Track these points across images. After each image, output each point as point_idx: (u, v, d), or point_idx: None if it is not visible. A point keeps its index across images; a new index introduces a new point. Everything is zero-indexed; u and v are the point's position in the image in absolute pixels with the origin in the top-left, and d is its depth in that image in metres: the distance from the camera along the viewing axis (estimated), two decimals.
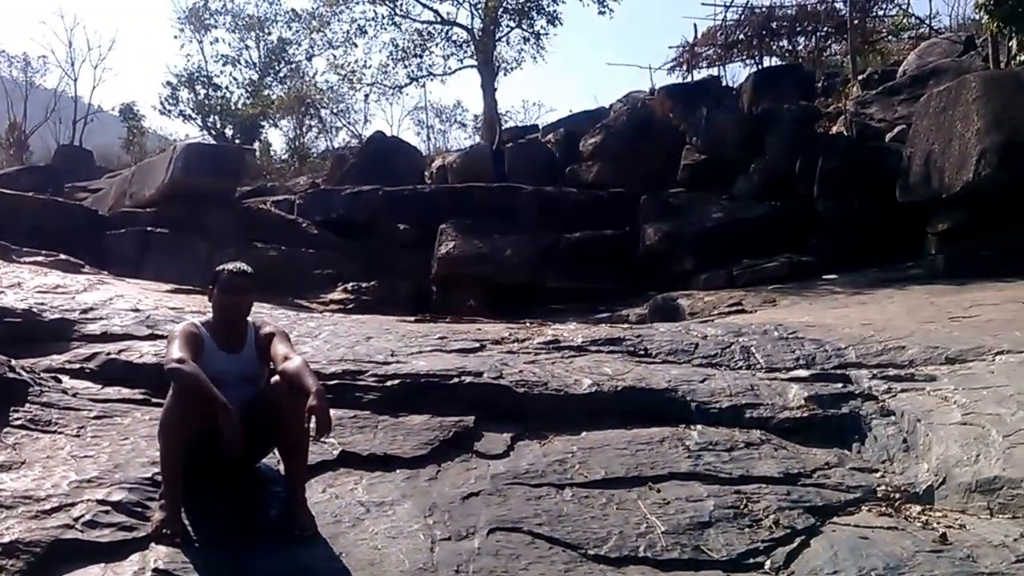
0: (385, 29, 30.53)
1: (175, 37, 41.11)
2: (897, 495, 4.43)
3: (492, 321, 8.19)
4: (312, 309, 11.97)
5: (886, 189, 13.17)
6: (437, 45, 30.17)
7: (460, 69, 30.36)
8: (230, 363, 3.95)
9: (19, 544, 3.30)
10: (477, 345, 6.23)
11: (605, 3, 28.28)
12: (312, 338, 6.21)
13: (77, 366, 5.29)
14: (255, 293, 4.17)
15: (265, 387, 3.93)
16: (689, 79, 25.42)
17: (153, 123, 39.77)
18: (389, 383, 5.18)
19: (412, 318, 8.19)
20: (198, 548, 3.46)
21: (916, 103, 13.91)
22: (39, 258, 9.96)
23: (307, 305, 13.12)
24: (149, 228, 16.14)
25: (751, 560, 3.72)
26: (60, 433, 4.32)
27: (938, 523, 4.04)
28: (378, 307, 12.49)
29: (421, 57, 30.35)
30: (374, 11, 29.94)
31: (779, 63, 24.42)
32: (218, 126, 35.01)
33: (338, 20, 30.88)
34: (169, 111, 35.94)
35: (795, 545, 3.82)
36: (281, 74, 36.52)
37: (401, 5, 29.66)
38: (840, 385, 5.60)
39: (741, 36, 25.55)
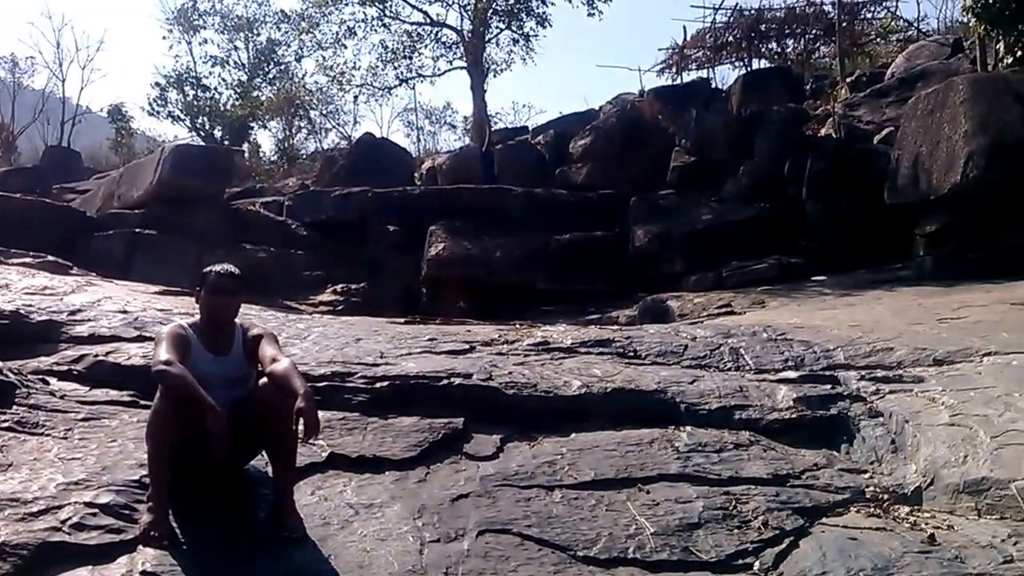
0: (374, 30, 30.63)
1: (163, 38, 41.34)
2: (885, 496, 4.44)
3: (482, 323, 8.19)
4: (301, 311, 11.95)
5: (874, 191, 13.23)
6: (426, 47, 30.20)
7: (450, 71, 30.39)
8: (217, 365, 3.93)
9: (6, 547, 3.28)
10: (466, 347, 6.22)
11: (594, 5, 28.39)
12: (301, 340, 6.19)
13: (65, 368, 5.26)
14: (242, 295, 4.16)
15: (253, 389, 3.92)
16: (678, 81, 25.45)
17: (141, 124, 39.74)
18: (378, 385, 5.16)
19: (402, 320, 8.17)
20: (186, 550, 3.44)
21: (904, 105, 13.99)
22: (27, 259, 9.90)
23: (296, 307, 13.10)
24: (137, 229, 16.10)
25: (740, 561, 3.72)
26: (47, 435, 4.30)
27: (926, 524, 4.05)
28: (367, 309, 12.47)
29: (410, 59, 30.38)
30: (363, 13, 29.98)
31: (768, 65, 24.45)
32: (207, 127, 34.97)
33: (327, 21, 30.94)
34: (157, 112, 35.92)
35: (784, 546, 3.83)
36: (270, 75, 36.53)
37: (390, 7, 29.68)
38: (828, 386, 5.61)
39: (730, 38, 25.58)
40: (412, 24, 29.97)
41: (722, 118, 18.63)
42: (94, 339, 5.80)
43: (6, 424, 4.29)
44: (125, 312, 6.54)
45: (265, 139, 37.59)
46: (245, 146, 32.61)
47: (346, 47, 31.47)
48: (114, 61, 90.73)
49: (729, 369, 6.05)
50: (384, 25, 30.07)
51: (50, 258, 10.40)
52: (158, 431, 3.58)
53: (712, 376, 5.79)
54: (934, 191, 11.88)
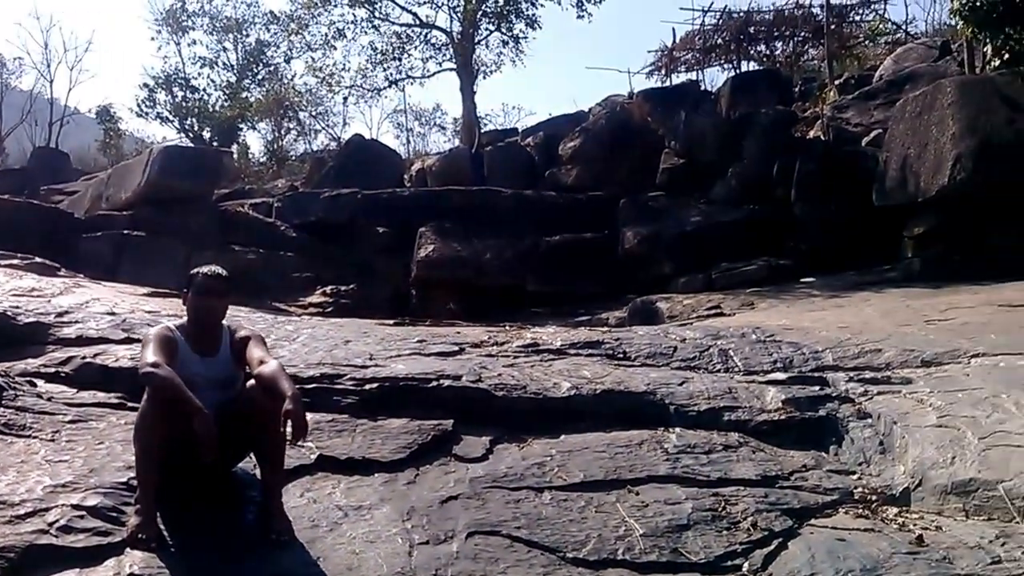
0: (364, 32, 30.54)
1: (152, 39, 41.10)
2: (874, 497, 4.45)
3: (471, 324, 8.18)
4: (290, 312, 11.94)
5: (862, 193, 13.29)
6: (416, 48, 30.18)
7: (439, 72, 30.36)
8: (205, 367, 3.92)
9: None
10: (456, 348, 6.21)
11: (584, 7, 28.42)
12: (290, 342, 6.18)
13: (52, 370, 5.24)
14: (230, 297, 4.14)
15: (240, 391, 3.91)
16: (668, 83, 25.50)
17: (130, 125, 39.52)
18: (367, 387, 5.15)
19: (391, 321, 8.16)
20: (174, 553, 3.43)
21: (892, 108, 14.06)
22: (14, 261, 9.84)
23: (285, 308, 13.09)
24: (125, 231, 16.03)
25: (729, 562, 3.72)
26: (35, 437, 4.28)
27: (914, 525, 4.06)
28: (357, 310, 12.45)
29: (400, 60, 30.33)
30: (353, 14, 29.92)
31: (756, 68, 24.52)
32: (195, 128, 34.90)
33: (316, 23, 30.85)
34: (146, 113, 35.86)
35: (773, 547, 3.83)
36: (259, 76, 36.47)
37: (380, 8, 29.65)
38: (817, 388, 5.62)
39: (719, 41, 25.65)
40: (401, 26, 29.99)
41: (711, 120, 18.69)
42: (82, 341, 5.78)
43: None
44: (113, 314, 6.52)
45: (254, 140, 37.63)
46: (234, 147, 32.50)
47: (335, 48, 31.44)
48: (102, 62, 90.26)
49: (718, 371, 6.06)
50: (373, 26, 30.09)
51: (38, 260, 10.34)
52: (145, 433, 3.57)
53: (701, 378, 5.80)
54: (922, 193, 11.93)
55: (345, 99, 32.82)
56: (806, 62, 26.03)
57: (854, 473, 4.74)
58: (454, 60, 29.17)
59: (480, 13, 28.43)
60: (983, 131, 11.31)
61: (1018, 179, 10.82)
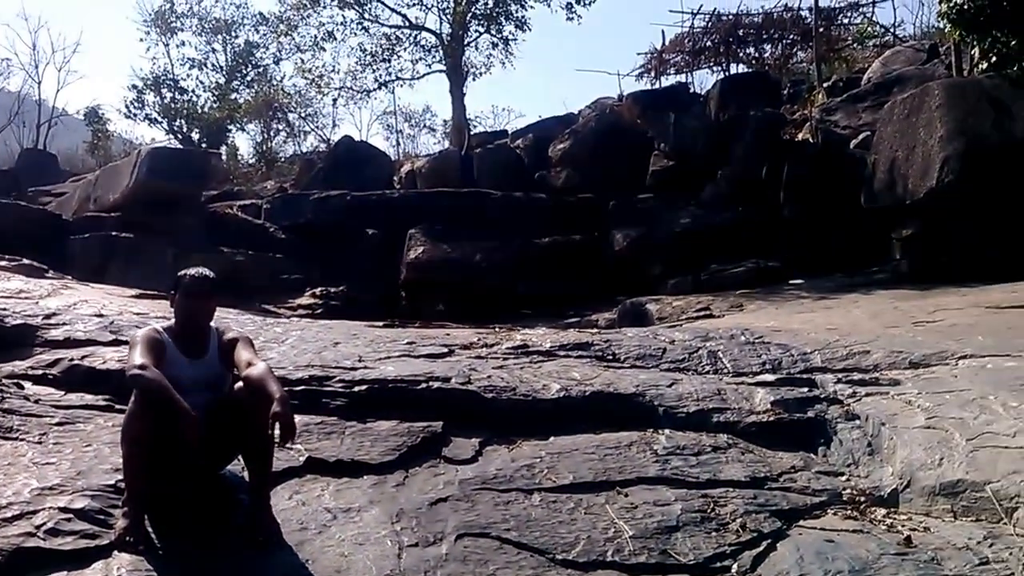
0: (353, 33, 30.59)
1: (141, 40, 40.87)
2: (862, 498, 4.46)
3: (461, 326, 8.18)
4: (279, 314, 11.91)
5: (851, 195, 13.33)
6: (405, 50, 30.24)
7: (429, 74, 30.43)
8: (192, 369, 3.91)
9: None
10: (445, 350, 6.21)
11: (573, 9, 28.51)
12: (279, 343, 6.16)
13: (40, 372, 5.21)
14: (217, 298, 4.13)
15: (228, 393, 3.89)
16: (657, 85, 25.56)
17: (118, 126, 39.25)
18: (356, 389, 5.14)
19: (380, 323, 8.15)
20: (161, 555, 3.42)
21: (880, 110, 14.10)
22: (2, 263, 9.81)
23: (275, 310, 13.06)
24: (114, 232, 15.99)
25: (718, 564, 3.73)
26: (22, 440, 4.26)
27: (903, 526, 4.07)
28: (346, 312, 12.42)
29: (389, 62, 30.39)
30: (342, 15, 29.99)
31: (746, 70, 24.58)
32: (184, 130, 34.81)
33: (306, 24, 30.92)
34: (135, 114, 35.73)
35: (762, 548, 3.84)
36: (248, 78, 36.42)
37: (369, 10, 29.67)
38: (806, 389, 5.63)
39: (708, 43, 25.71)
40: (391, 27, 30.04)
41: (701, 122, 18.74)
42: (69, 343, 5.76)
43: None
44: (101, 316, 6.50)
45: (243, 142, 37.64)
46: (223, 149, 32.45)
47: (325, 50, 31.47)
48: (91, 63, 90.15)
49: (707, 372, 6.07)
50: (363, 28, 30.14)
51: (25, 261, 10.31)
52: (133, 435, 3.55)
53: (690, 379, 5.81)
54: (910, 195, 11.98)
55: (334, 101, 32.86)
56: (795, 65, 26.11)
57: (842, 474, 4.75)
58: (444, 62, 29.22)
59: (470, 15, 28.49)
60: (971, 134, 11.36)
61: (1005, 181, 10.88)
